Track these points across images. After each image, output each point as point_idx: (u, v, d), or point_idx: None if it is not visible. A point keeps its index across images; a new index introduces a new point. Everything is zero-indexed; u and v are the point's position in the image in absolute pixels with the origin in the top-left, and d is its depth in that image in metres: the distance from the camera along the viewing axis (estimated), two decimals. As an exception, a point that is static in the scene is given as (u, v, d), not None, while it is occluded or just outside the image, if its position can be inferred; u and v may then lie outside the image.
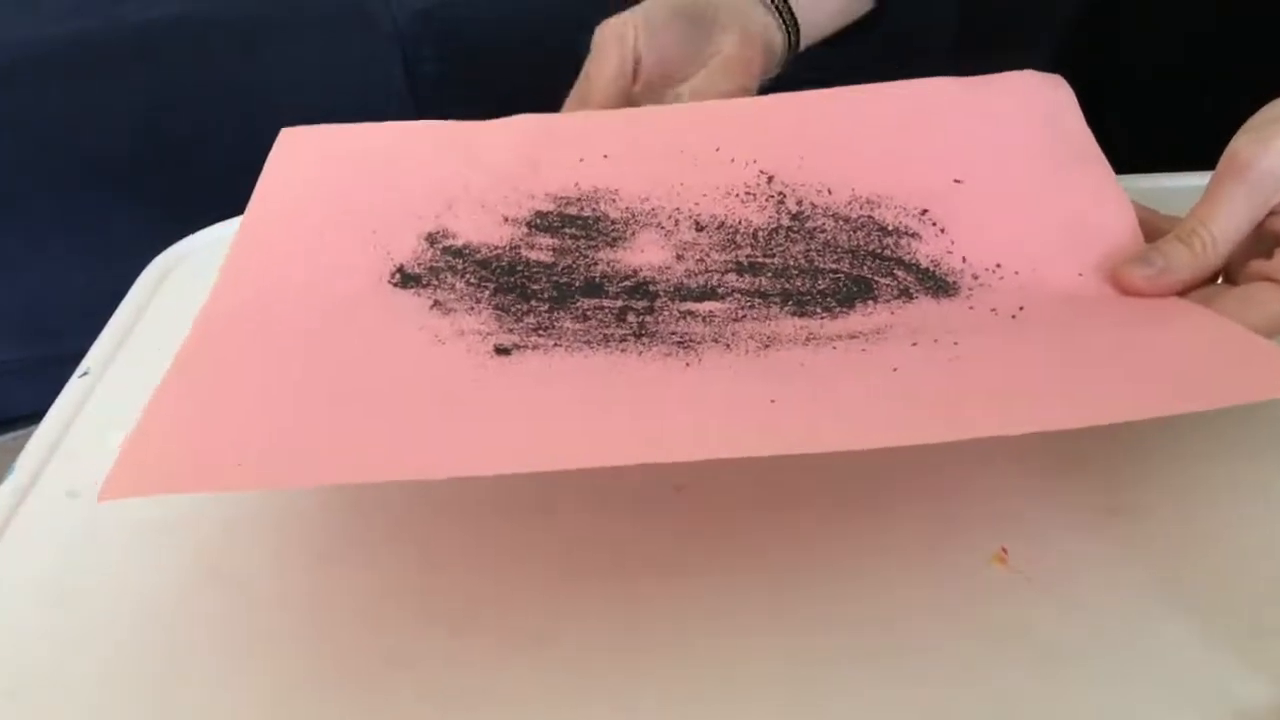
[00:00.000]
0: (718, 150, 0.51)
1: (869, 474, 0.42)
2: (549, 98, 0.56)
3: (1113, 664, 0.35)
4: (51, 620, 0.38)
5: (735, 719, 0.34)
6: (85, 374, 0.50)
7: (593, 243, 0.47)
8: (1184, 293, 0.43)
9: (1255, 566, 0.38)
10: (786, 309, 0.43)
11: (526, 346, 0.41)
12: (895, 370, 0.39)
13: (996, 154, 0.49)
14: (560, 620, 0.37)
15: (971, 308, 0.43)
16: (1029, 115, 0.50)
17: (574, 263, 0.46)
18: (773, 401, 0.37)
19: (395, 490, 0.42)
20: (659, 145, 0.51)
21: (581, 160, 0.51)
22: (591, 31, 0.56)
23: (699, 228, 0.47)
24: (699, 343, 0.41)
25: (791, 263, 0.46)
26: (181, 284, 0.57)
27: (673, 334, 0.42)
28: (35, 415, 0.48)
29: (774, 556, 0.39)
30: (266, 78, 1.28)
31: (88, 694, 0.36)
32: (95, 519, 0.42)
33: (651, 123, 0.53)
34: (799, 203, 0.48)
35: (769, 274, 0.45)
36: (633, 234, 0.47)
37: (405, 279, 0.45)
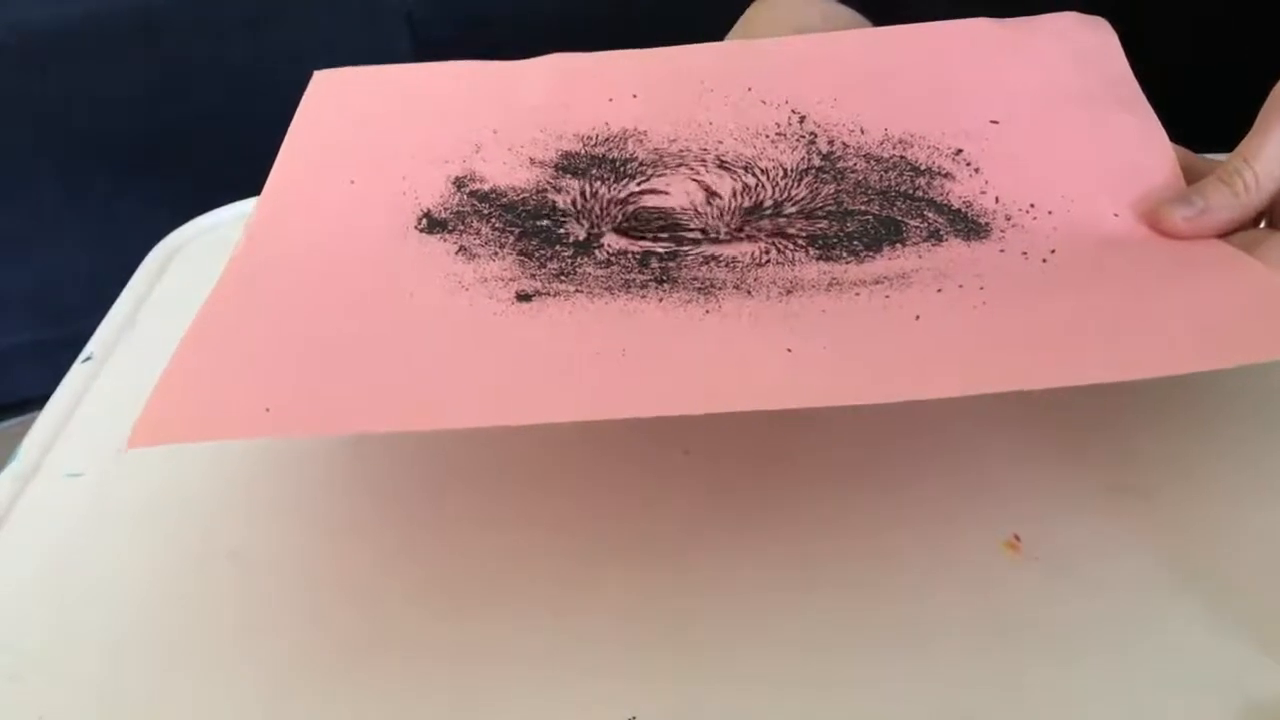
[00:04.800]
0: (749, 90, 0.50)
1: (879, 442, 0.42)
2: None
3: (1125, 648, 0.34)
4: (56, 602, 0.39)
5: (738, 695, 0.34)
6: (89, 359, 0.50)
7: (619, 185, 0.46)
8: (1225, 235, 0.41)
9: (1273, 549, 0.37)
10: (812, 253, 0.43)
11: (548, 293, 0.41)
12: (917, 319, 0.38)
13: (1035, 94, 0.48)
14: (570, 589, 0.37)
15: (1002, 250, 0.42)
16: (1069, 56, 0.49)
17: (599, 206, 0.46)
18: (789, 351, 0.36)
19: (401, 463, 0.42)
20: (690, 85, 0.51)
21: (610, 100, 0.50)
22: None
23: (727, 169, 0.47)
24: (720, 289, 0.41)
25: (820, 205, 0.45)
26: (186, 267, 0.57)
27: (694, 280, 0.42)
28: (42, 399, 0.48)
29: (780, 533, 0.39)
30: (273, 56, 1.27)
31: (91, 676, 0.36)
32: (99, 501, 0.42)
33: (683, 62, 0.52)
34: (830, 143, 0.47)
35: (796, 216, 0.44)
36: (660, 176, 0.47)
37: (432, 224, 0.45)
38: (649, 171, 0.47)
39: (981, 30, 0.51)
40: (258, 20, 1.31)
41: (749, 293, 0.41)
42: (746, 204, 0.45)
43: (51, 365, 0.53)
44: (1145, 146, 0.45)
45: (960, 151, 0.46)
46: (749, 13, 0.60)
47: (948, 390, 0.34)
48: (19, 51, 1.29)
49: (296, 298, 0.41)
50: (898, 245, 0.43)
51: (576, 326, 0.39)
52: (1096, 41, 0.50)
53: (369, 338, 0.39)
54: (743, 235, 0.44)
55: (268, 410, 0.36)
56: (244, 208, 0.59)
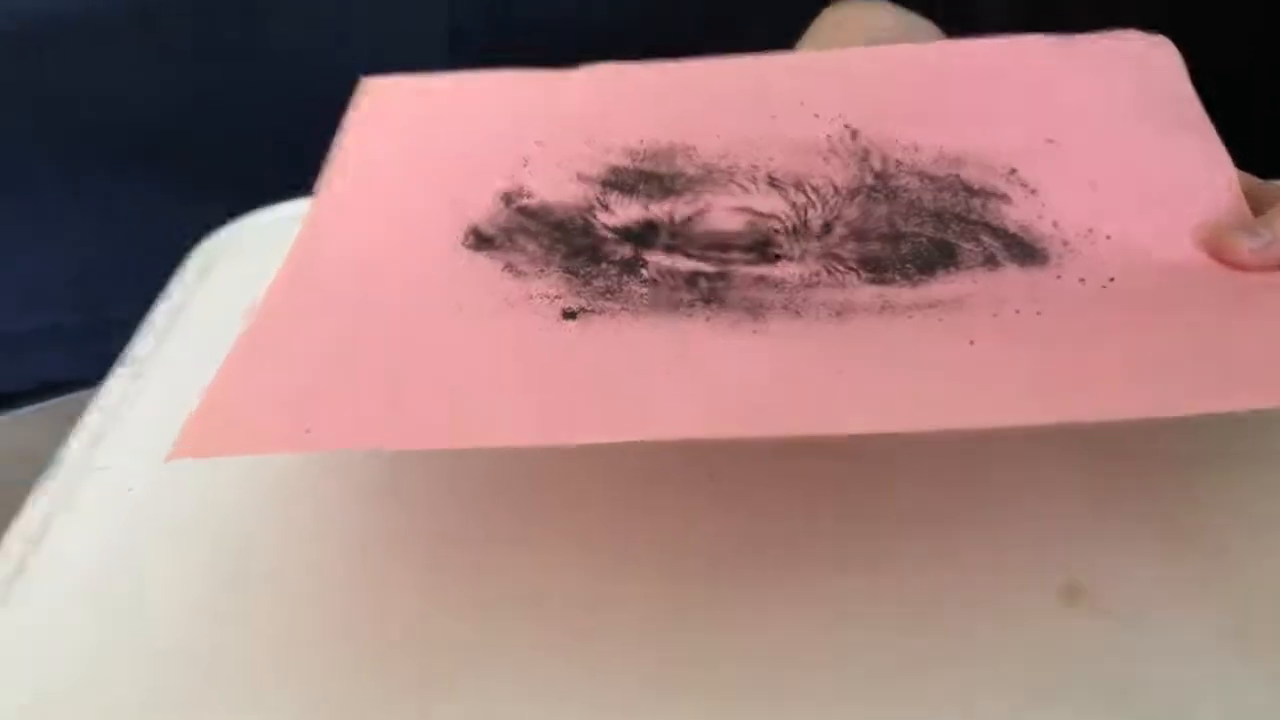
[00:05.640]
0: (801, 104, 0.49)
1: (922, 475, 0.41)
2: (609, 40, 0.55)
3: (1184, 702, 0.33)
4: (95, 619, 0.38)
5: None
6: (128, 365, 0.50)
7: (666, 202, 0.46)
8: None
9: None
10: (864, 276, 0.42)
11: (593, 311, 0.41)
12: (972, 343, 0.37)
13: (1093, 114, 0.47)
14: (597, 614, 0.37)
15: (1059, 277, 0.41)
16: (1130, 74, 0.48)
17: (646, 224, 0.45)
18: (840, 373, 0.36)
19: (436, 478, 0.42)
20: (740, 97, 0.50)
21: (660, 113, 0.50)
22: None
23: (777, 187, 0.46)
24: (768, 309, 0.40)
25: (872, 225, 0.44)
26: (225, 272, 0.56)
27: (743, 300, 0.41)
28: (76, 383, 0.47)
29: (812, 570, 0.38)
30: (317, 42, 1.27)
31: (129, 694, 0.36)
32: (137, 516, 0.42)
33: (733, 74, 0.51)
34: (883, 160, 0.46)
35: (848, 237, 0.44)
36: (708, 193, 0.46)
37: (480, 240, 0.45)
38: (697, 188, 0.46)
39: (1040, 46, 0.50)
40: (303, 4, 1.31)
41: (798, 313, 0.40)
42: (796, 223, 0.44)
43: (72, 350, 0.53)
44: (1208, 170, 0.44)
45: (1015, 171, 0.45)
46: (821, 19, 0.59)
47: (1002, 419, 0.33)
48: (17, 37, 1.29)
49: (344, 313, 0.41)
50: (952, 269, 0.42)
51: (622, 344, 0.39)
52: (1159, 60, 0.49)
53: (415, 354, 0.38)
54: (792, 256, 0.43)
55: (309, 429, 0.35)
56: (285, 210, 0.59)
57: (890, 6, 0.57)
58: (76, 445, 0.46)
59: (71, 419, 0.47)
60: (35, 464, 0.45)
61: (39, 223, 1.34)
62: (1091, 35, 0.50)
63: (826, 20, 0.59)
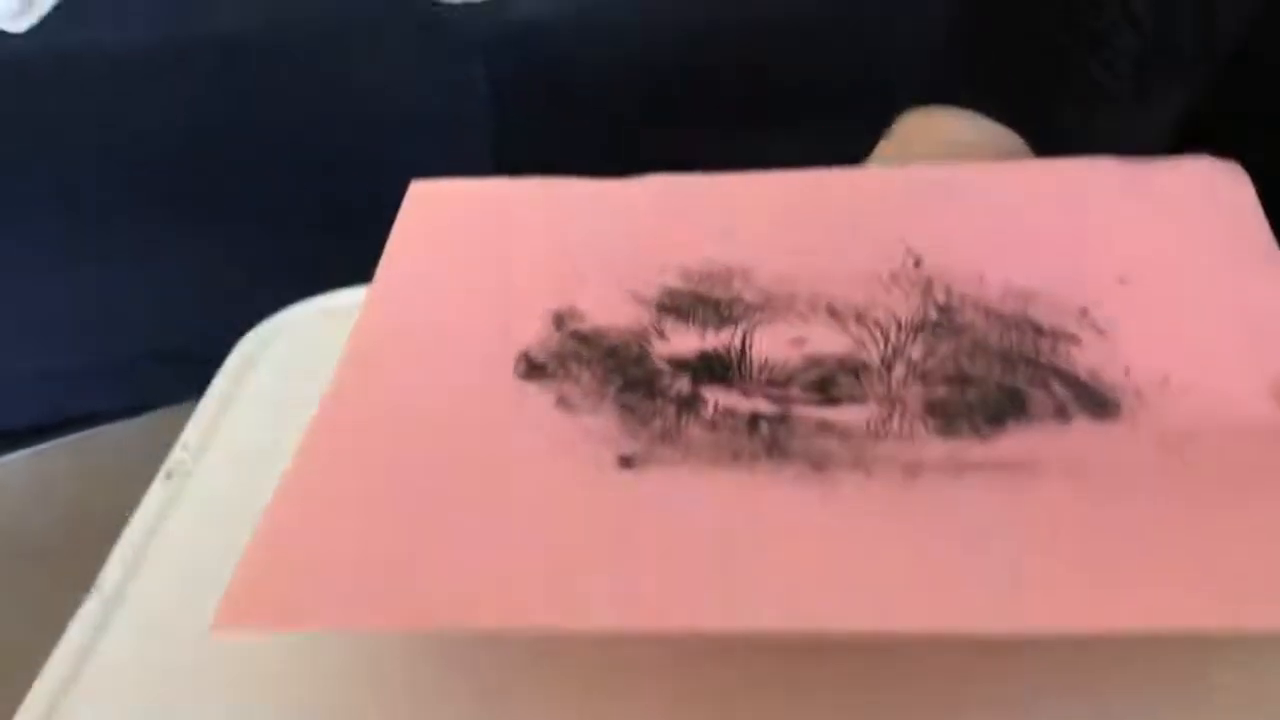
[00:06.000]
0: (863, 226, 0.48)
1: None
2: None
3: None
4: None
5: None
6: (170, 475, 0.48)
7: (724, 331, 0.44)
8: None
9: None
10: (931, 425, 0.40)
11: (651, 460, 0.39)
12: (1051, 523, 0.36)
13: (1166, 250, 0.45)
14: None
15: (1135, 434, 0.40)
16: (1203, 207, 0.46)
17: (704, 354, 0.44)
18: (913, 556, 0.34)
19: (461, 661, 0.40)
20: (799, 217, 0.49)
21: (718, 230, 0.48)
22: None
23: (837, 317, 0.45)
24: (835, 465, 0.39)
25: (938, 366, 0.43)
26: (273, 367, 0.55)
27: (807, 452, 0.39)
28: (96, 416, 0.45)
29: None
30: (352, 88, 1.26)
31: None
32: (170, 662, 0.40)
33: (793, 190, 0.50)
34: (947, 292, 0.45)
35: (914, 378, 0.42)
36: (767, 321, 0.45)
37: (530, 368, 0.43)
38: (756, 316, 0.45)
39: (1105, 170, 0.49)
40: (334, 49, 1.29)
41: (868, 473, 0.38)
42: (859, 360, 0.43)
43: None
44: None
45: (1086, 312, 0.44)
46: (901, 124, 0.58)
47: (1089, 624, 0.32)
48: (105, 72, 1.28)
49: (388, 461, 0.39)
50: (1022, 420, 0.40)
51: (681, 506, 0.37)
52: (1232, 190, 0.47)
53: (463, 515, 0.37)
54: (855, 397, 0.42)
55: (354, 605, 0.34)
56: (333, 301, 0.58)
57: (973, 116, 0.55)
58: (113, 569, 0.44)
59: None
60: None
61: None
62: (1162, 159, 0.49)
63: (907, 126, 0.57)
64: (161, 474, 0.48)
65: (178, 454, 0.49)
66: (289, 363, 0.55)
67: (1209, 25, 0.59)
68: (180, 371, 0.55)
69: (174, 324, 1.15)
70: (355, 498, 0.38)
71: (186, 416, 0.51)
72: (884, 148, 0.57)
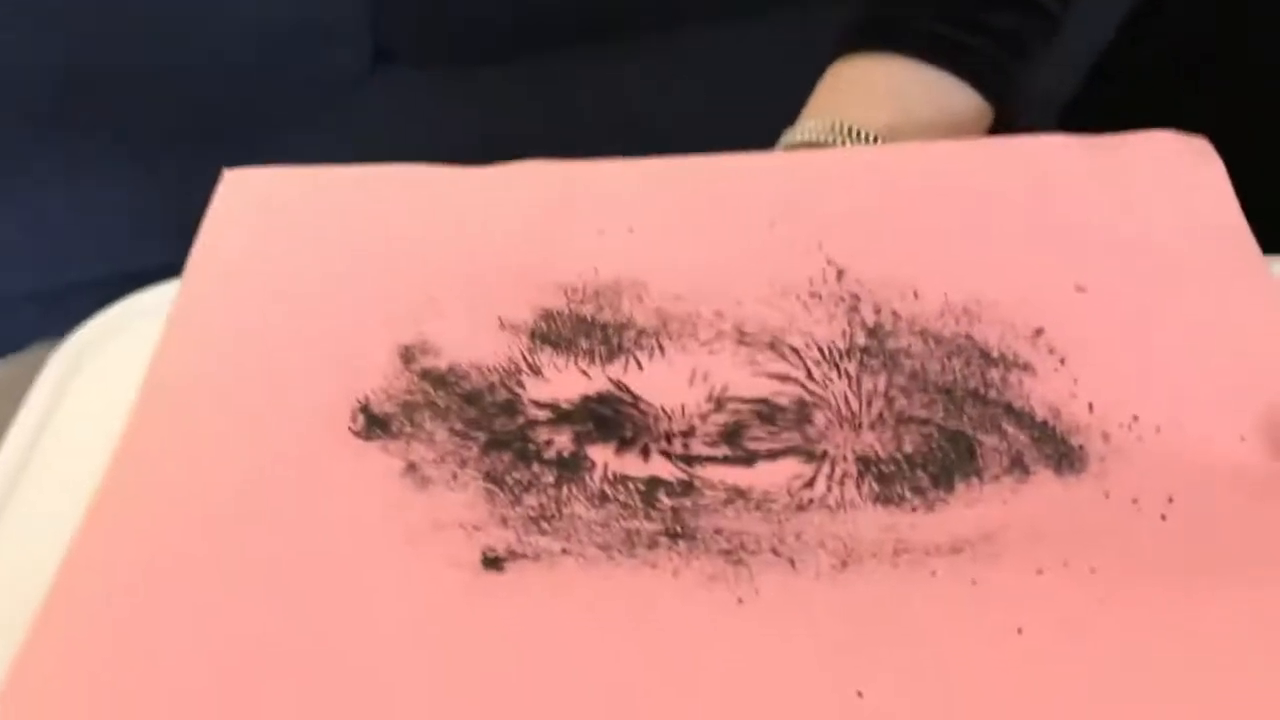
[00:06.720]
0: (772, 226, 0.40)
1: None
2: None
3: None
4: None
5: None
6: None
7: (611, 365, 0.36)
8: None
9: None
10: (864, 488, 0.33)
11: (525, 555, 0.31)
12: (1020, 632, 0.29)
13: (1129, 250, 0.39)
14: None
15: (1106, 494, 0.33)
16: (1169, 196, 0.40)
17: (589, 400, 0.36)
18: (860, 695, 0.27)
19: None
20: (698, 216, 0.41)
21: (602, 233, 0.40)
22: None
23: (747, 344, 0.37)
24: (753, 553, 0.31)
25: (868, 405, 0.35)
26: (96, 375, 0.42)
27: (718, 533, 0.32)
28: None
29: None
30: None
31: None
32: None
33: (690, 181, 0.42)
34: (877, 310, 0.38)
35: (840, 423, 0.35)
36: (661, 351, 0.37)
37: (370, 422, 0.35)
38: (648, 344, 0.37)
39: (1059, 152, 0.42)
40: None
41: (792, 563, 0.31)
42: (775, 402, 0.35)
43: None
44: (1271, 334, 0.36)
45: (1041, 332, 0.37)
46: (834, 73, 0.49)
47: None
48: None
49: (171, 567, 0.30)
50: (973, 479, 0.33)
51: (564, 621, 0.30)
52: (1202, 173, 0.41)
53: (281, 644, 0.29)
54: (773, 451, 0.34)
55: None
56: (161, 295, 0.46)
57: (918, 65, 0.47)
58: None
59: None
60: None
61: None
62: (1124, 137, 0.42)
63: (843, 78, 0.48)
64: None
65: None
66: (116, 378, 0.44)
67: None
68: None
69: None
70: (110, 643, 0.29)
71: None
72: (817, 108, 0.48)
